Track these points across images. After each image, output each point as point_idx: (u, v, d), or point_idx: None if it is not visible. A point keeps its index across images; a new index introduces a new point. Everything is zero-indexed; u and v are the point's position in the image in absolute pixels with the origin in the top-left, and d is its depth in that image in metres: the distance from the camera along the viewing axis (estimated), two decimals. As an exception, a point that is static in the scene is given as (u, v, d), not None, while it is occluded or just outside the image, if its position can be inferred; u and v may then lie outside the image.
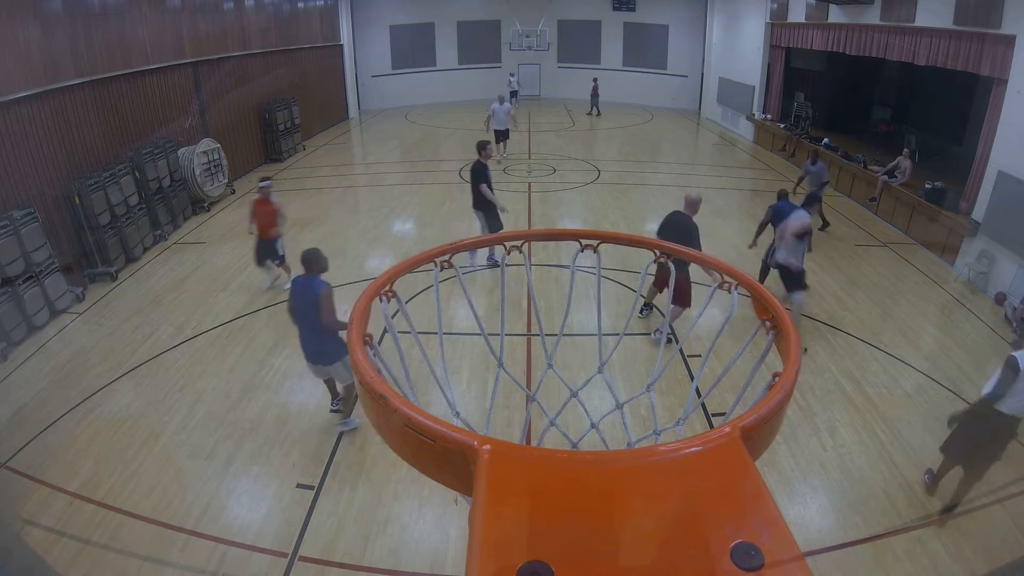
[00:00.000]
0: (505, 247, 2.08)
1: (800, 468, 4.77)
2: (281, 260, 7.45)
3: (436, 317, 2.16)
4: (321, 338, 4.76)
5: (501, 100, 13.56)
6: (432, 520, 4.29)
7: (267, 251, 7.38)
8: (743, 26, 17.06)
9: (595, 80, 20.18)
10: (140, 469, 4.76)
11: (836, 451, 4.94)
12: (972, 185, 8.55)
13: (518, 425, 4.72)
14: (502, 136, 13.61)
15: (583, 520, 0.94)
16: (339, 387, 5.24)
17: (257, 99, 13.75)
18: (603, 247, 1.96)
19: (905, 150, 10.28)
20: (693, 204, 6.06)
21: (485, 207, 7.82)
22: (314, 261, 4.73)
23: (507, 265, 2.20)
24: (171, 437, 5.12)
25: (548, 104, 22.42)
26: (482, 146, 7.83)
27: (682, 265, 5.37)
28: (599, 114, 20.04)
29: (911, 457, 4.88)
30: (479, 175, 7.76)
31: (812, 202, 9.28)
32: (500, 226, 7.95)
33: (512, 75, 21.39)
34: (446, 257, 1.81)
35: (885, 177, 10.41)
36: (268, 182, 7.24)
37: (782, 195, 7.28)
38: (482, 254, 8.12)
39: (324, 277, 4.76)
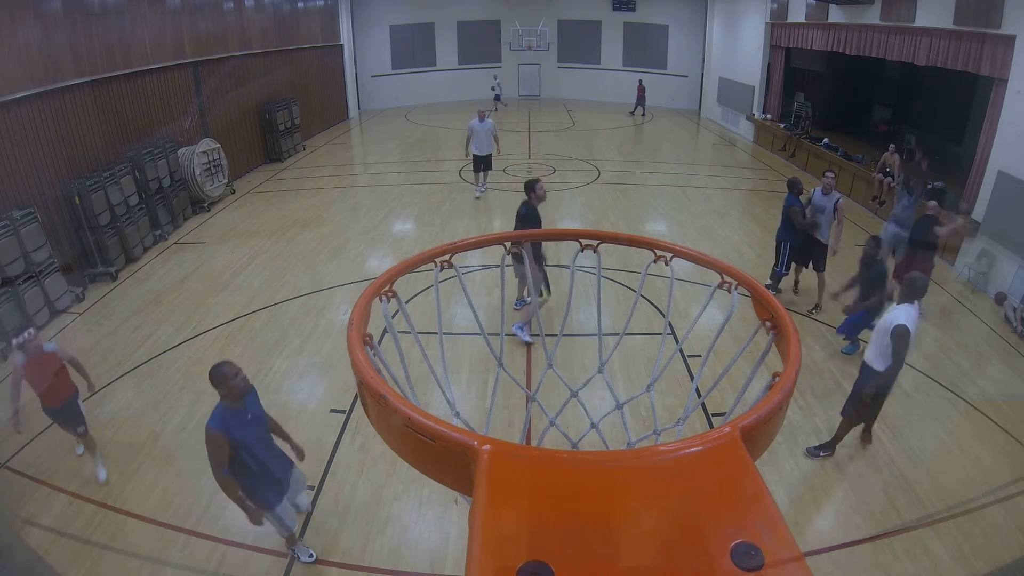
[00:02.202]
0: (505, 247, 2.09)
1: (800, 468, 4.77)
2: (84, 429, 4.70)
3: (436, 317, 2.17)
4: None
5: (481, 116, 10.70)
6: (432, 520, 4.29)
7: (69, 418, 4.69)
8: (743, 26, 17.06)
9: (640, 81, 20.14)
10: (140, 469, 4.76)
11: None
12: (972, 185, 8.55)
13: (518, 425, 4.72)
14: (482, 164, 10.96)
15: (583, 520, 0.94)
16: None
17: (257, 99, 13.74)
18: (603, 247, 1.96)
19: (891, 145, 10.26)
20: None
21: (537, 262, 5.87)
22: (217, 383, 3.36)
23: (507, 265, 2.21)
24: (171, 437, 5.11)
25: (548, 104, 22.41)
26: (531, 186, 6.20)
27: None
28: (644, 113, 20.07)
29: (911, 457, 4.88)
30: (533, 219, 6.15)
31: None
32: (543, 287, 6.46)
33: (495, 77, 21.07)
34: (446, 257, 1.82)
35: (881, 176, 10.40)
36: (32, 331, 4.46)
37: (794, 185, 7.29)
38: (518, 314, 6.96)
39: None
